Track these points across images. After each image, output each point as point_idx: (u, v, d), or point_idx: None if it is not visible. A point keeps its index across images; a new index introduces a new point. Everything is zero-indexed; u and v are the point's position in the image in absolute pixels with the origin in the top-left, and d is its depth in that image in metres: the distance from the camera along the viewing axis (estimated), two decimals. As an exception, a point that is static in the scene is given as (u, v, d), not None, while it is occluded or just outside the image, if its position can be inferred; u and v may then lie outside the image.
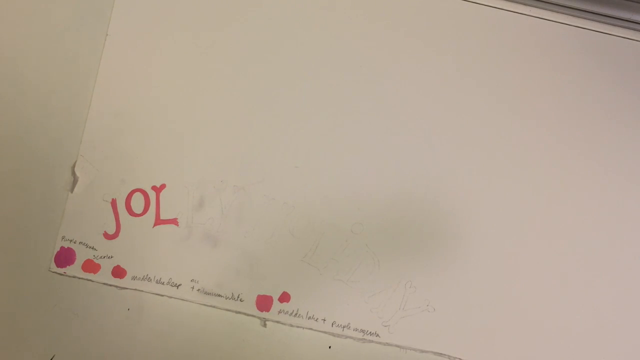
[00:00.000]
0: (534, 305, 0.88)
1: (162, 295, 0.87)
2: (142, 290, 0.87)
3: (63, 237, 0.86)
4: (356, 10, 0.90)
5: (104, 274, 0.86)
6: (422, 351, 0.87)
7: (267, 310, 0.87)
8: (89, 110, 0.87)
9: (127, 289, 0.87)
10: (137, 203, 0.87)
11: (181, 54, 0.89)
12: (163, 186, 0.87)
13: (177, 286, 0.87)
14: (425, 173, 0.89)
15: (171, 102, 0.88)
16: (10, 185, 0.86)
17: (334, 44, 0.90)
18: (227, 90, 0.89)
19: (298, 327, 0.87)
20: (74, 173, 0.87)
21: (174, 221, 0.87)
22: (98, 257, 0.86)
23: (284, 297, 0.87)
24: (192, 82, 0.88)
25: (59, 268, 0.86)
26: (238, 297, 0.87)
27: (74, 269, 0.86)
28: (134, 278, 0.87)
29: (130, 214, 0.87)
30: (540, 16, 0.91)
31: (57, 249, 0.86)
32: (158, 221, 0.87)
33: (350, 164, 0.89)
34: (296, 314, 0.87)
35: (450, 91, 0.90)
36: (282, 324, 0.87)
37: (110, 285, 0.87)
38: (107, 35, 0.88)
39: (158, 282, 0.87)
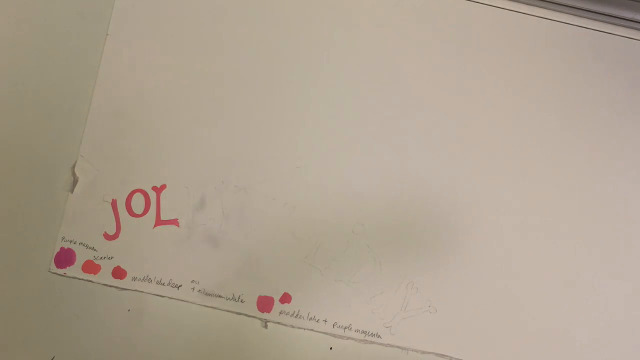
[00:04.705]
0: (537, 306, 0.88)
1: (163, 296, 0.86)
2: (142, 291, 0.86)
3: (63, 238, 0.86)
4: (358, 11, 0.90)
5: (104, 275, 0.86)
6: (424, 352, 0.87)
7: (268, 311, 0.87)
8: (89, 110, 0.87)
9: (127, 289, 0.86)
10: (138, 203, 0.87)
11: (181, 54, 0.88)
12: (163, 186, 0.87)
13: (178, 287, 0.86)
14: (427, 173, 0.88)
15: (171, 102, 0.88)
16: (10, 185, 0.86)
17: (336, 44, 0.89)
18: (228, 89, 0.88)
19: (299, 328, 0.87)
20: (74, 173, 0.86)
21: (174, 222, 0.87)
22: (98, 258, 0.86)
23: (285, 298, 0.87)
24: (192, 82, 0.88)
25: (59, 269, 0.86)
26: (239, 298, 0.87)
27: (74, 270, 0.86)
28: (134, 279, 0.86)
29: (131, 215, 0.87)
30: (542, 16, 0.91)
31: (57, 249, 0.86)
32: (158, 222, 0.87)
33: (351, 165, 0.88)
34: (297, 315, 0.87)
35: (452, 91, 0.90)
36: (283, 325, 0.87)
37: (111, 286, 0.86)
38: (107, 35, 0.88)
39: (158, 283, 0.86)
